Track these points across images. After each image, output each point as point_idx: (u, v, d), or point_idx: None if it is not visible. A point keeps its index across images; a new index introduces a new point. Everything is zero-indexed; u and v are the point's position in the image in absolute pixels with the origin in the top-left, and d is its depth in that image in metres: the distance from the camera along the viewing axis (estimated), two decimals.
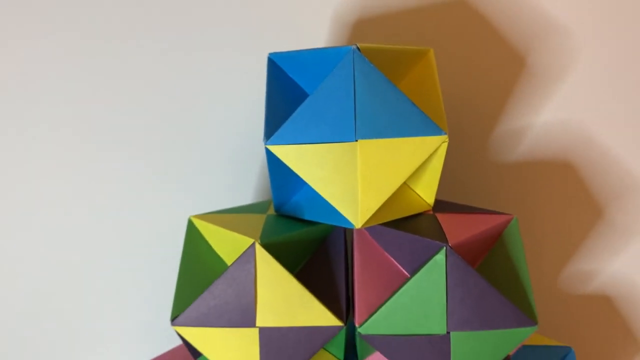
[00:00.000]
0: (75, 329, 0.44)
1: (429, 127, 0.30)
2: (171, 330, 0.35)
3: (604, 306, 0.48)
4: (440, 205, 0.37)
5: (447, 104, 0.42)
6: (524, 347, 0.38)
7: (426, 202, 0.35)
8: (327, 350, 0.35)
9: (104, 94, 0.42)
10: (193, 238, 0.35)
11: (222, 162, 0.43)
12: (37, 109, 0.42)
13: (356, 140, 0.30)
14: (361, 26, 0.42)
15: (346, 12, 0.42)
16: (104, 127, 0.42)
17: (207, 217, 0.35)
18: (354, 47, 0.30)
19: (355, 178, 0.31)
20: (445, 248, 0.31)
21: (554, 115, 0.44)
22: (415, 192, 0.35)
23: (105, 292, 0.44)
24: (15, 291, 0.44)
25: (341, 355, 0.35)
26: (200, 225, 0.35)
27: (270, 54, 0.33)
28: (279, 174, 0.33)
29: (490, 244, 0.35)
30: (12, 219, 0.43)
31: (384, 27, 0.42)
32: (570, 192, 0.46)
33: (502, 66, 0.43)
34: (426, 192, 0.34)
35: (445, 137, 0.30)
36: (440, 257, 0.31)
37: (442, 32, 0.42)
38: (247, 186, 0.43)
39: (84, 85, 0.42)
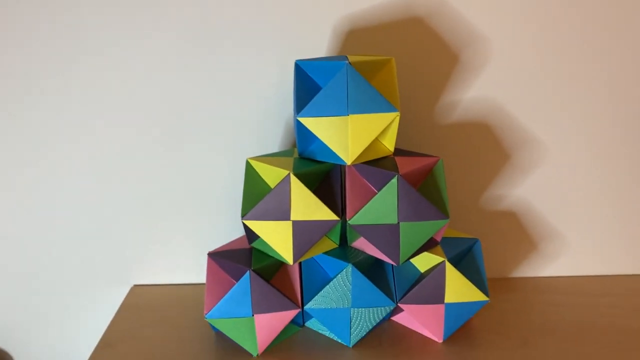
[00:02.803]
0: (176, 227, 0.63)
1: (388, 107, 0.46)
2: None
3: (510, 218, 0.64)
4: (398, 151, 0.52)
5: (407, 86, 0.57)
6: (447, 238, 0.53)
7: (389, 150, 0.50)
8: (329, 238, 0.51)
9: (193, 86, 0.57)
10: (249, 171, 0.51)
11: (259, 125, 0.59)
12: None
13: (348, 115, 0.46)
14: (350, 36, 0.56)
15: (340, 26, 0.55)
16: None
17: (257, 158, 0.51)
18: (347, 61, 0.46)
19: (347, 136, 0.46)
20: (397, 176, 0.47)
21: (476, 92, 0.58)
22: (383, 144, 0.50)
23: (187, 202, 0.62)
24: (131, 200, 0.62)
25: (337, 240, 0.52)
26: (254, 163, 0.51)
27: (297, 60, 0.48)
28: (303, 133, 0.48)
29: (425, 174, 0.50)
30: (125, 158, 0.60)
31: (365, 36, 0.56)
32: (487, 143, 0.60)
33: (443, 61, 0.57)
34: (389, 143, 0.50)
35: (397, 113, 0.47)
36: (394, 181, 0.47)
37: (404, 40, 0.56)
38: (274, 140, 0.60)
39: (175, 68, 0.57)
